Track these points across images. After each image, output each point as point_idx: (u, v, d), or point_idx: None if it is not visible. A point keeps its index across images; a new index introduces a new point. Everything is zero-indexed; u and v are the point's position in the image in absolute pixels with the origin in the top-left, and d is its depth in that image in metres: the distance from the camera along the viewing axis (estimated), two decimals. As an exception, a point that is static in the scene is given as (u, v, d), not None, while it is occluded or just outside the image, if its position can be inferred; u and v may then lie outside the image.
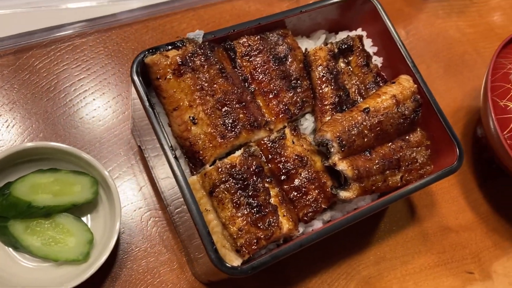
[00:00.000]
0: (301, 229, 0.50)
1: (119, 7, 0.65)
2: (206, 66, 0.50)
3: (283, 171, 0.50)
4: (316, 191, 0.50)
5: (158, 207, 0.58)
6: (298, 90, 0.54)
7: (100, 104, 0.61)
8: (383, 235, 0.64)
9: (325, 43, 0.58)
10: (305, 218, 0.50)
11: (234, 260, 0.46)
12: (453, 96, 0.75)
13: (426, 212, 0.66)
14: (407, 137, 0.55)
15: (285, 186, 0.50)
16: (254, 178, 0.48)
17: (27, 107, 0.59)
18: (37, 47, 0.61)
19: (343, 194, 0.50)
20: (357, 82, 0.57)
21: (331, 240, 0.61)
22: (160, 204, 0.58)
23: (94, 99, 0.61)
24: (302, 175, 0.50)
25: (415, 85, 0.55)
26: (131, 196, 0.58)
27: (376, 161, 0.52)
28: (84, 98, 0.61)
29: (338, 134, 0.50)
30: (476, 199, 0.69)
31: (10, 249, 0.52)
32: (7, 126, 0.57)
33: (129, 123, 0.60)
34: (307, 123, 0.55)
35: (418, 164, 0.55)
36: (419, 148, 0.55)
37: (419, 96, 0.55)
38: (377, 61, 0.60)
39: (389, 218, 0.65)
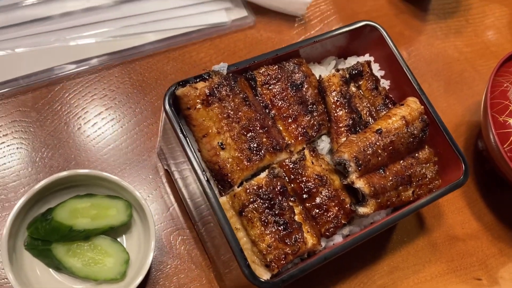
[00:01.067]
0: (323, 244, 0.54)
1: (140, 40, 0.69)
2: (231, 96, 0.54)
3: (305, 190, 0.54)
4: (336, 208, 0.54)
5: (185, 226, 0.62)
6: (315, 114, 0.58)
7: (128, 131, 0.65)
8: (395, 246, 0.68)
9: (337, 69, 0.62)
10: (327, 233, 0.54)
11: (263, 274, 0.50)
12: (454, 112, 0.80)
13: (434, 223, 0.71)
14: (416, 155, 0.59)
15: (307, 204, 0.54)
16: (280, 197, 0.52)
17: (59, 136, 0.63)
18: (67, 79, 0.66)
19: (362, 210, 0.54)
20: (368, 105, 0.61)
21: (348, 253, 0.65)
22: (187, 224, 0.62)
23: (121, 127, 0.65)
24: (323, 193, 0.54)
25: (422, 106, 0.60)
26: (160, 217, 0.62)
27: (390, 178, 0.56)
28: (112, 126, 0.65)
29: (354, 154, 0.54)
30: (480, 209, 0.73)
31: (53, 270, 0.55)
32: (42, 155, 0.61)
33: (156, 148, 0.65)
34: (324, 144, 0.59)
35: (427, 179, 0.59)
36: (428, 164, 0.60)
37: (426, 117, 0.59)
38: (385, 84, 0.65)
39: (400, 230, 0.69)
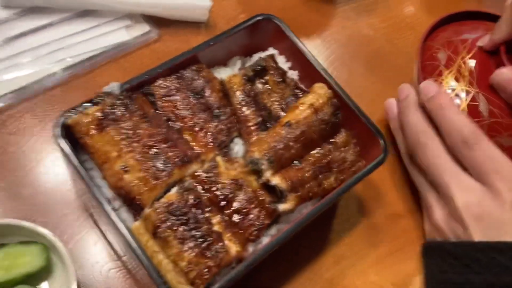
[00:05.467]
0: (251, 249, 0.52)
1: (38, 74, 0.66)
2: (127, 115, 0.52)
3: (221, 197, 0.52)
4: (257, 209, 0.52)
5: (115, 257, 0.59)
6: (222, 118, 0.56)
7: (40, 171, 0.62)
8: (338, 235, 0.66)
9: (240, 69, 0.61)
10: (251, 237, 0.51)
11: (191, 294, 0.47)
12: (377, 89, 0.79)
13: (373, 204, 0.69)
14: (333, 140, 0.58)
15: (227, 211, 0.52)
16: (193, 210, 0.50)
17: (-35, 189, 0.59)
18: (-34, 129, 0.62)
19: (282, 206, 0.52)
20: (278, 99, 0.60)
21: (289, 252, 0.63)
22: (116, 255, 0.59)
23: (31, 169, 0.62)
24: (241, 197, 0.52)
25: (330, 91, 0.58)
26: (86, 252, 0.59)
27: (307, 169, 0.55)
28: (21, 168, 0.62)
29: (265, 151, 0.53)
30: (418, 181, 0.72)
31: (-29, 333, 0.52)
32: None
33: (70, 183, 0.61)
34: (238, 147, 0.57)
35: (348, 162, 0.58)
36: (347, 147, 0.58)
37: (335, 100, 0.58)
38: (293, 74, 0.64)
39: (340, 218, 0.67)
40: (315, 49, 0.81)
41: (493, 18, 0.72)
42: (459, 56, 0.66)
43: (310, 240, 0.65)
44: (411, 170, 0.66)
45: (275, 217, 0.54)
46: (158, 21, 0.74)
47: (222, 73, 0.62)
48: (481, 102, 0.60)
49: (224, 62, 0.65)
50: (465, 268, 0.55)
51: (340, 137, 0.58)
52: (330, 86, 0.59)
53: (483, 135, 0.57)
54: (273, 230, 0.54)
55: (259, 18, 0.62)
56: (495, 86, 0.61)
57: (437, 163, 0.60)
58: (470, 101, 0.61)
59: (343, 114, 0.59)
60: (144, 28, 0.73)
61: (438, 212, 0.61)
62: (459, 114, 0.58)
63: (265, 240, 0.53)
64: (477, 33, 0.69)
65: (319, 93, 0.58)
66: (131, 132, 0.51)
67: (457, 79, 0.63)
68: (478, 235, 0.55)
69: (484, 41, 0.66)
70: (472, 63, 0.65)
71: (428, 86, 0.60)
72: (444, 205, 0.60)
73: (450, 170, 0.59)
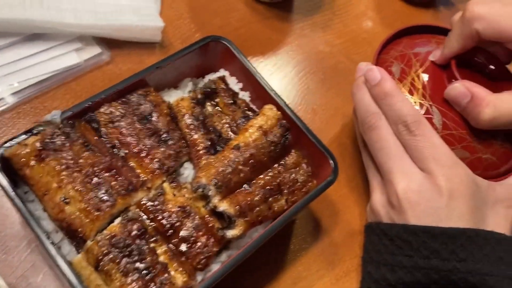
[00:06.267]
0: (200, 278, 0.51)
1: (-14, 100, 0.65)
2: (68, 144, 0.50)
3: (168, 226, 0.51)
4: (205, 237, 0.51)
5: (63, 290, 0.57)
6: (170, 142, 0.55)
7: (-16, 202, 0.60)
8: (295, 255, 0.66)
9: (189, 91, 0.60)
10: (199, 266, 0.50)
11: (136, 328, 0.46)
12: (335, 105, 0.79)
13: (331, 222, 0.69)
14: (283, 162, 0.57)
15: (173, 240, 0.51)
16: (138, 241, 0.48)
17: None
18: None
19: (230, 233, 0.51)
20: (228, 121, 0.59)
21: (243, 276, 0.62)
22: (64, 287, 0.57)
23: (-25, 199, 0.60)
24: (188, 225, 0.51)
25: (279, 112, 0.58)
26: (33, 285, 0.57)
27: (257, 192, 0.54)
28: (-36, 200, 0.60)
29: (212, 176, 0.52)
30: (376, 197, 0.72)
31: None
32: None
33: (15, 214, 0.60)
34: (188, 171, 0.56)
35: (299, 183, 0.57)
36: (297, 168, 0.58)
37: (284, 121, 0.58)
38: (245, 95, 0.63)
39: (296, 238, 0.67)
40: (272, 67, 0.81)
41: (446, 32, 0.73)
42: (412, 70, 0.66)
43: (266, 262, 0.64)
44: (363, 152, 0.67)
45: (224, 244, 0.53)
46: (109, 43, 0.73)
47: (173, 96, 0.61)
48: (435, 115, 0.61)
49: (175, 84, 0.64)
50: (397, 250, 0.56)
51: (291, 158, 0.58)
52: (279, 107, 0.59)
53: (425, 121, 0.58)
54: (223, 257, 0.53)
55: (208, 39, 0.61)
56: (449, 100, 0.62)
57: (382, 146, 0.60)
58: (424, 113, 0.61)
59: (294, 134, 0.59)
60: (95, 50, 0.72)
61: (377, 196, 0.61)
62: (402, 100, 0.59)
63: (215, 267, 0.52)
64: (429, 46, 0.70)
65: (268, 115, 0.57)
66: (72, 162, 0.49)
67: (411, 92, 0.64)
68: (413, 220, 0.56)
69: (435, 55, 0.67)
70: (425, 76, 0.65)
71: (372, 73, 0.61)
72: (385, 189, 0.60)
73: (394, 154, 0.59)
